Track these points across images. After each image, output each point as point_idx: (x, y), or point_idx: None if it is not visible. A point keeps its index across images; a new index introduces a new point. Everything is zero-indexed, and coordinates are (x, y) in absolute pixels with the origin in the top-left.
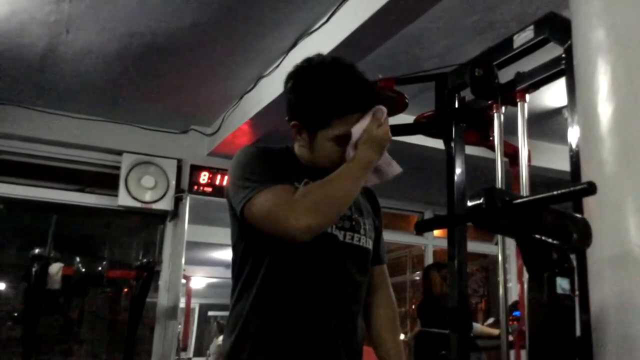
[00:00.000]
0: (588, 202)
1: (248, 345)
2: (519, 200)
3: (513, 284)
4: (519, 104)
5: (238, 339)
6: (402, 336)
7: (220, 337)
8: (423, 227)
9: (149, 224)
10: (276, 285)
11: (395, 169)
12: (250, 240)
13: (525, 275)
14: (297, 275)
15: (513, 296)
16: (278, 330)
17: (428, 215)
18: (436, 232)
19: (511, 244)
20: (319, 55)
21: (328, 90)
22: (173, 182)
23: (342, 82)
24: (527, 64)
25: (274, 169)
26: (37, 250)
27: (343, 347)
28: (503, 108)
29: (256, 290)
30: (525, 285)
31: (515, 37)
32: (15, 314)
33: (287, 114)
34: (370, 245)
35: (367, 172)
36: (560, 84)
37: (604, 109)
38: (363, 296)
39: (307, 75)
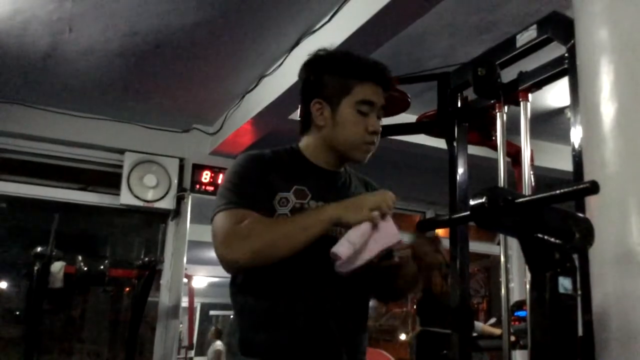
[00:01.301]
0: (590, 201)
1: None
2: (521, 200)
3: (515, 284)
4: (521, 103)
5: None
6: (403, 336)
7: (218, 342)
8: (425, 227)
9: (151, 222)
10: (270, 287)
11: (392, 238)
12: None
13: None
14: (289, 277)
15: (515, 296)
16: (277, 330)
17: (430, 215)
18: (438, 232)
19: (513, 244)
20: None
21: (348, 59)
22: (175, 181)
23: (359, 55)
24: (530, 63)
25: (254, 186)
26: (39, 249)
27: (344, 345)
28: (506, 108)
29: (254, 290)
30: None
31: (518, 37)
32: (17, 313)
33: (306, 98)
34: None
35: (324, 225)
36: (563, 83)
37: (607, 109)
38: (364, 294)
39: (325, 56)
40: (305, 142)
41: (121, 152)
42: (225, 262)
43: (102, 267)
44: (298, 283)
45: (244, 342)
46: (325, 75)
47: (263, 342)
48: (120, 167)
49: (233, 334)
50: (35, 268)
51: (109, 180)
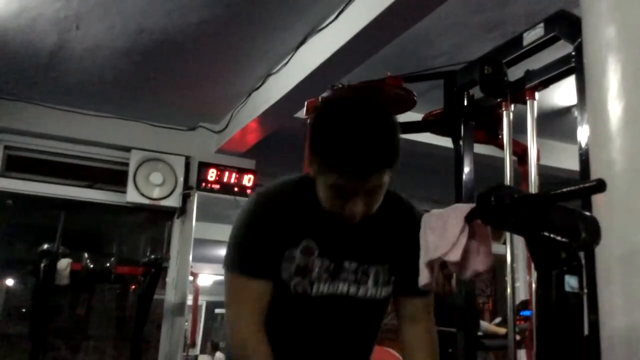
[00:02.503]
0: (597, 200)
1: None
2: (527, 198)
3: (521, 284)
4: (528, 102)
5: None
6: None
7: (217, 354)
8: None
9: (157, 220)
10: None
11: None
12: None
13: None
14: (292, 334)
15: (521, 296)
16: None
17: None
18: None
19: (519, 243)
20: (346, 90)
21: (329, 136)
22: (181, 179)
23: (342, 136)
24: (537, 61)
25: (261, 248)
26: (45, 246)
27: None
28: (512, 106)
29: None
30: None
31: (525, 35)
32: (24, 310)
33: None
34: (382, 293)
35: None
36: (570, 82)
37: (614, 107)
38: (369, 346)
39: (322, 114)
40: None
41: (127, 149)
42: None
43: (108, 264)
44: (300, 342)
45: None
46: (311, 131)
47: None
48: (127, 164)
49: None
50: (42, 265)
51: (115, 178)
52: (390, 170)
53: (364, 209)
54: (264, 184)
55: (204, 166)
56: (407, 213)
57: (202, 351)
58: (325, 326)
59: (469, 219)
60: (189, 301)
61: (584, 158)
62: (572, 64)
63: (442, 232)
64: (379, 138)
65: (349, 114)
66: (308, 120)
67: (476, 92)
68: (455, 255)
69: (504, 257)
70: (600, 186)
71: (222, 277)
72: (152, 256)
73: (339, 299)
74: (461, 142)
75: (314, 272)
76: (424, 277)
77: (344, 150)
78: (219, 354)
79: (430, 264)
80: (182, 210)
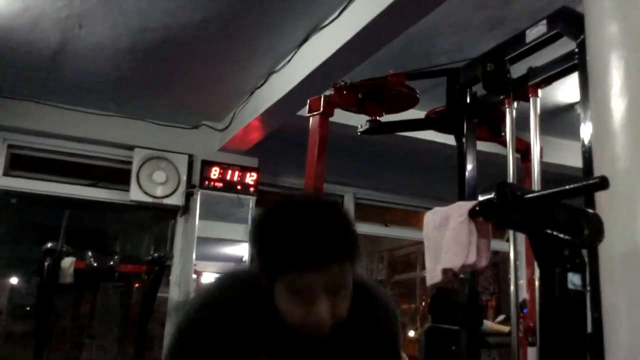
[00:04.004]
0: (600, 197)
1: None
2: (530, 195)
3: (524, 281)
4: (531, 99)
5: None
6: (412, 332)
7: None
8: None
9: (160, 218)
10: None
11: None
12: None
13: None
14: None
15: (524, 293)
16: None
17: None
18: None
19: (522, 240)
20: (288, 199)
21: (274, 237)
22: (184, 178)
23: (294, 230)
24: (540, 59)
25: None
26: (49, 245)
27: None
28: (515, 103)
29: None
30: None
31: (527, 32)
32: (28, 308)
33: None
34: None
35: None
36: (573, 79)
37: (617, 104)
38: None
39: (267, 220)
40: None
41: (130, 148)
42: None
43: (111, 262)
44: None
45: None
46: (257, 240)
47: None
48: (130, 163)
49: None
50: (46, 264)
51: (119, 176)
52: (351, 264)
53: (331, 315)
54: (265, 182)
55: (206, 164)
56: (377, 318)
57: None
58: None
59: (472, 216)
60: None
61: (587, 155)
62: (575, 61)
63: (453, 236)
64: (332, 226)
65: (298, 211)
66: (252, 231)
67: (479, 89)
68: (472, 258)
69: (507, 254)
70: (603, 183)
71: None
72: (156, 254)
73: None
74: (464, 140)
75: None
76: (435, 278)
77: (298, 243)
78: None
79: (446, 270)
80: (185, 209)
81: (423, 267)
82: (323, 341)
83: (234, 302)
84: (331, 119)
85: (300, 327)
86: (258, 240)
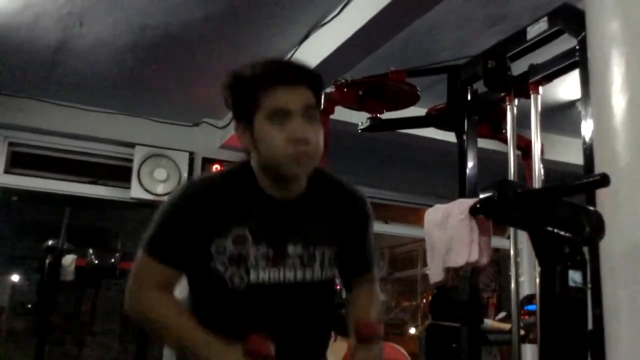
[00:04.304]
0: (601, 194)
1: None
2: (531, 192)
3: (525, 278)
4: (532, 96)
5: None
6: (413, 329)
7: None
8: None
9: None
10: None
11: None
12: (190, 277)
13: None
14: (236, 324)
15: (525, 290)
16: None
17: None
18: None
19: (523, 238)
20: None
21: (250, 69)
22: (185, 175)
23: (259, 62)
24: (541, 56)
25: (185, 237)
26: (50, 242)
27: None
28: (516, 100)
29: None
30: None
31: (528, 29)
32: (29, 306)
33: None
34: (328, 274)
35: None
36: (574, 76)
37: (618, 101)
38: (325, 327)
39: (232, 73)
40: (254, 166)
41: (131, 145)
42: (126, 307)
43: (112, 260)
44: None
45: None
46: (234, 93)
47: None
48: (131, 160)
49: None
50: (47, 261)
51: (120, 174)
52: (317, 99)
53: (308, 135)
54: None
55: (207, 162)
56: (349, 196)
57: None
58: (274, 315)
59: (473, 213)
60: None
61: (588, 152)
62: (576, 58)
63: (455, 234)
64: (302, 64)
65: (270, 59)
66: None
67: (480, 86)
68: (474, 256)
69: (508, 251)
70: (604, 180)
71: None
72: None
73: (285, 287)
74: (465, 137)
75: (249, 261)
76: (437, 277)
77: (273, 67)
78: None
79: (448, 269)
80: None
81: (424, 265)
82: (296, 205)
83: (222, 176)
84: (332, 117)
85: (282, 158)
86: (235, 82)
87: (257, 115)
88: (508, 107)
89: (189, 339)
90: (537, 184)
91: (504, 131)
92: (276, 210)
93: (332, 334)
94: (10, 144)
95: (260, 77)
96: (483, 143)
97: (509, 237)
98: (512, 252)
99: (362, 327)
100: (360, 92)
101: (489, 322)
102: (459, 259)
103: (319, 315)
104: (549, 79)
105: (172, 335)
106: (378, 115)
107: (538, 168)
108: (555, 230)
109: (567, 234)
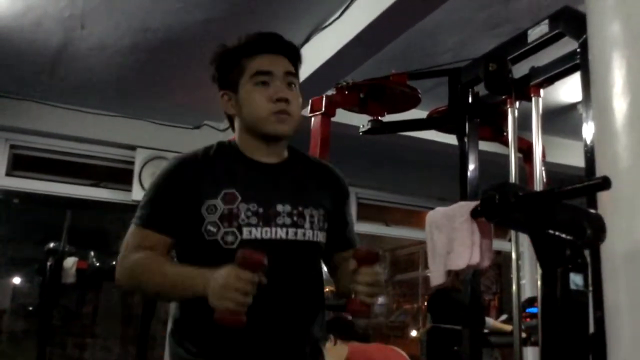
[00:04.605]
0: (602, 197)
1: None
2: (532, 195)
3: (526, 281)
4: (533, 99)
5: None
6: (414, 332)
7: None
8: None
9: None
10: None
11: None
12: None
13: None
14: None
15: (526, 293)
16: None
17: None
18: None
19: (525, 240)
20: None
21: (236, 41)
22: None
23: (248, 33)
24: (542, 58)
25: (171, 202)
26: (51, 245)
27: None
28: (517, 103)
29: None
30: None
31: (529, 32)
32: (30, 308)
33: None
34: (319, 237)
35: (190, 295)
36: (575, 78)
37: (619, 104)
38: (316, 290)
39: (218, 48)
40: (237, 136)
41: (133, 148)
42: (115, 279)
43: (114, 262)
44: None
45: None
46: (221, 65)
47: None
48: (132, 163)
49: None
50: (48, 264)
51: (121, 176)
52: (296, 72)
53: (288, 96)
54: None
55: None
56: (328, 169)
57: None
58: (267, 274)
59: (474, 216)
60: None
61: (589, 155)
62: (577, 61)
63: (456, 237)
64: (281, 36)
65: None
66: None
67: (481, 89)
68: (475, 259)
69: (509, 254)
70: (605, 183)
71: None
72: None
73: (277, 245)
74: (466, 140)
75: (241, 217)
76: (438, 280)
77: (253, 35)
78: None
79: (449, 271)
80: None
81: (425, 267)
82: (280, 168)
83: (204, 148)
84: (333, 119)
85: (264, 115)
86: (222, 53)
87: (241, 81)
88: (509, 109)
89: (180, 275)
90: (538, 186)
91: (505, 134)
92: (261, 173)
93: (332, 337)
94: (12, 147)
95: (245, 45)
96: (484, 146)
97: (510, 240)
98: (513, 255)
99: (361, 251)
100: (362, 95)
101: (490, 322)
102: (460, 262)
103: (310, 278)
104: (550, 81)
105: (165, 283)
106: (379, 117)
107: (539, 171)
108: (557, 233)
109: (569, 237)
